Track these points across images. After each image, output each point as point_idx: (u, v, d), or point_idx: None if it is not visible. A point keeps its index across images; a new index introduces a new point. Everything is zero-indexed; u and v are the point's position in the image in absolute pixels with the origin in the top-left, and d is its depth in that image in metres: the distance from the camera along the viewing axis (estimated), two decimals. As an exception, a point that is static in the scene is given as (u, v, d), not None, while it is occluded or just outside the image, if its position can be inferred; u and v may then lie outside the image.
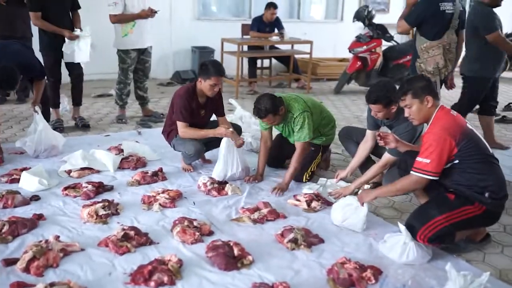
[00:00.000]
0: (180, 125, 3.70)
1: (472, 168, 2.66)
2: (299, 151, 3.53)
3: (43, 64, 4.55)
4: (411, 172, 2.69)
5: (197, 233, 2.74)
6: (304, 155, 3.59)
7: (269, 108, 3.33)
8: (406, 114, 2.81)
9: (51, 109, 4.95)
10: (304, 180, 3.76)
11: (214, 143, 3.88)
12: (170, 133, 3.93)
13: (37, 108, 4.12)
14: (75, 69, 4.98)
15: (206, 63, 3.67)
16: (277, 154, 3.90)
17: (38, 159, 3.99)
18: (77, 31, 4.77)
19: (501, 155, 4.79)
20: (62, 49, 4.72)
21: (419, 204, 3.04)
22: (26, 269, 2.34)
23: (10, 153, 4.10)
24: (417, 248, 2.62)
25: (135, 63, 5.34)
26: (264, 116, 3.41)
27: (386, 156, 3.29)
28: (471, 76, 4.65)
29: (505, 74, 10.80)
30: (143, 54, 5.38)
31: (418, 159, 2.66)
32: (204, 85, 3.63)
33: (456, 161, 2.64)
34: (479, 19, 4.49)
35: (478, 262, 2.75)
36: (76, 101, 5.18)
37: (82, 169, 3.72)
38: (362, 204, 2.94)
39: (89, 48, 4.79)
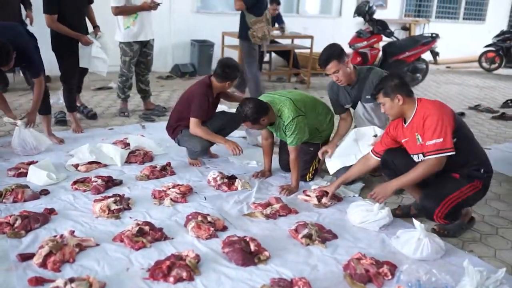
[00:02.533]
0: (194, 121, 3.70)
1: (464, 146, 2.77)
2: (294, 156, 3.43)
3: (41, 59, 4.09)
4: (428, 156, 2.72)
5: (212, 229, 2.73)
6: (299, 158, 3.49)
7: (248, 116, 3.25)
8: (382, 111, 2.98)
9: (67, 113, 4.84)
10: (307, 180, 3.71)
11: (225, 131, 3.96)
12: (175, 129, 3.92)
13: (20, 123, 3.86)
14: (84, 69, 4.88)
15: (230, 67, 3.73)
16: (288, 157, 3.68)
17: (43, 154, 3.94)
18: (92, 36, 4.69)
19: (501, 151, 4.88)
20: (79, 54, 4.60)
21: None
22: (43, 264, 2.32)
23: (14, 147, 4.05)
24: (431, 244, 2.64)
25: (137, 56, 5.31)
26: (242, 122, 3.40)
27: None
28: None
29: (502, 71, 10.94)
30: (145, 46, 5.35)
31: (429, 142, 2.70)
32: (226, 86, 3.79)
33: (454, 139, 2.71)
34: None
35: (489, 258, 2.78)
36: (77, 89, 5.07)
37: (90, 163, 3.70)
38: (380, 202, 2.95)
39: (106, 58, 4.77)
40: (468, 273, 2.27)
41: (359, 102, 3.59)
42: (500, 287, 2.27)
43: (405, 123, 2.91)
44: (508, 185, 3.93)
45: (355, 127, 3.84)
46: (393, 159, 3.00)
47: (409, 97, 2.84)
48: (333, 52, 3.42)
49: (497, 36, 10.81)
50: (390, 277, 2.42)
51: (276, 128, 3.49)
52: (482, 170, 2.83)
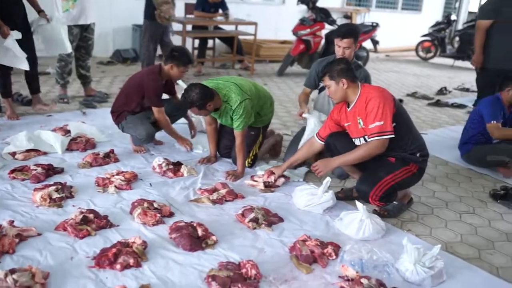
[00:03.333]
0: (158, 110, 3.69)
1: (403, 130, 2.92)
2: (240, 141, 3.45)
3: None
4: (371, 139, 2.84)
5: (158, 215, 2.71)
6: (245, 142, 3.52)
7: (194, 101, 3.22)
8: (327, 93, 3.12)
9: (2, 99, 4.55)
10: (247, 165, 3.69)
11: (176, 117, 3.96)
12: (120, 115, 3.82)
13: None
14: (28, 55, 4.35)
15: (178, 50, 3.76)
16: (230, 143, 3.71)
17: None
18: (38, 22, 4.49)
19: (436, 136, 5.13)
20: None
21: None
22: (-20, 256, 2.22)
23: None
24: (372, 225, 2.76)
25: (77, 40, 5.11)
26: (189, 108, 3.37)
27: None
28: None
29: (436, 60, 11.44)
30: (85, 31, 5.15)
31: (371, 125, 2.83)
32: (175, 71, 3.72)
33: (394, 124, 2.84)
34: None
35: (426, 236, 2.94)
36: (34, 87, 4.80)
37: (28, 151, 3.53)
38: (320, 175, 3.10)
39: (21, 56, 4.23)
40: (407, 250, 2.41)
41: None
42: (435, 262, 2.42)
43: (348, 107, 3.01)
44: (443, 168, 4.15)
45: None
46: (335, 143, 3.09)
47: (353, 82, 2.95)
48: (356, 31, 3.61)
49: (433, 26, 11.29)
50: (334, 257, 2.51)
51: (221, 114, 3.47)
52: (418, 154, 2.97)
